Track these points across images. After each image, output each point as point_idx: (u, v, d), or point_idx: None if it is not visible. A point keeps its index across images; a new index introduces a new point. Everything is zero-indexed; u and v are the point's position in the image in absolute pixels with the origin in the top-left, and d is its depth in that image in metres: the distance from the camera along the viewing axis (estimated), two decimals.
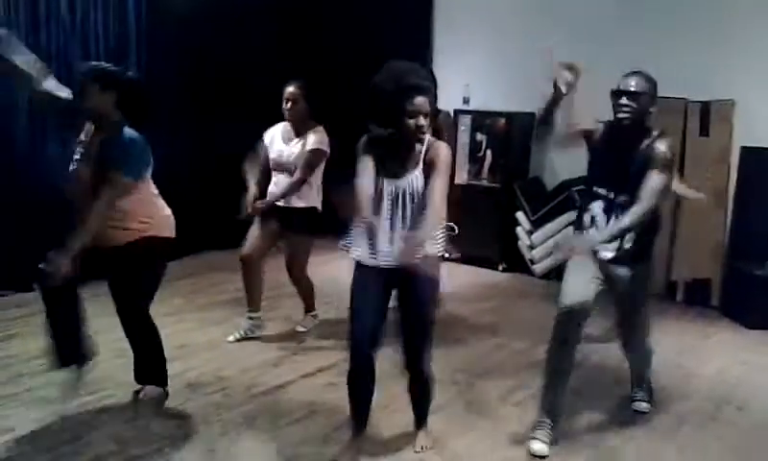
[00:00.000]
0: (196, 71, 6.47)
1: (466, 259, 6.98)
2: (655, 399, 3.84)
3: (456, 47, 7.21)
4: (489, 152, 6.83)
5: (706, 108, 5.74)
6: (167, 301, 5.15)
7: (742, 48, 5.61)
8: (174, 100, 6.30)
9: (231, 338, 4.52)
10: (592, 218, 3.36)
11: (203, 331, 4.69)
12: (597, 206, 3.34)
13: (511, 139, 6.79)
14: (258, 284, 4.58)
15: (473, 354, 4.54)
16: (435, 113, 3.00)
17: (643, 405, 3.78)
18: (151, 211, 3.36)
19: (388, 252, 2.90)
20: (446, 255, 5.47)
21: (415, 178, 2.88)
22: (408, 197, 2.88)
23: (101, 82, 3.17)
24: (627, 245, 3.28)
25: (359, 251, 2.96)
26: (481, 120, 6.86)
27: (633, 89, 3.16)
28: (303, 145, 4.36)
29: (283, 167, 4.42)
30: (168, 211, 3.47)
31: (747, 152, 5.65)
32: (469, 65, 7.10)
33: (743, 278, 5.46)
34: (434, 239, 2.94)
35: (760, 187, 5.59)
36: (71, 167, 3.27)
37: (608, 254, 3.29)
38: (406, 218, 2.90)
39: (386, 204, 2.90)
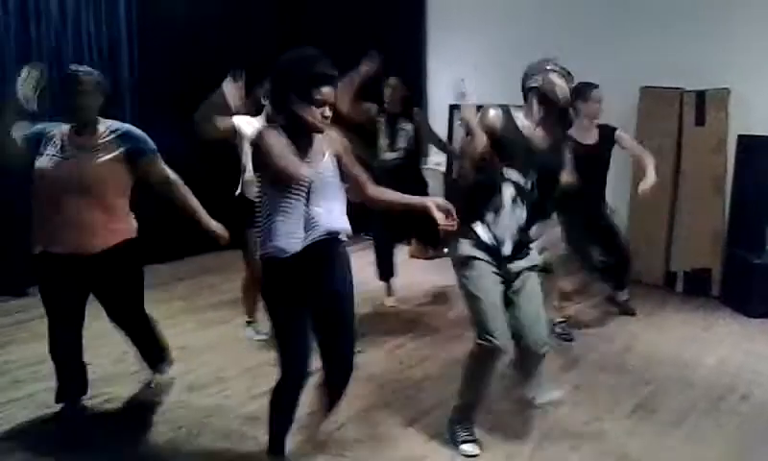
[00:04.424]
0: (188, 71, 6.41)
1: None
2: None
3: (451, 41, 7.17)
4: None
5: (701, 97, 5.72)
6: (166, 303, 5.13)
7: (736, 36, 5.59)
8: (165, 100, 6.26)
9: (258, 337, 4.53)
10: (499, 204, 3.15)
11: (202, 333, 4.67)
12: (507, 192, 3.16)
13: None
14: None
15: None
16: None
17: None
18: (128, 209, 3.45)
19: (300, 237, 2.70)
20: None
21: (326, 167, 2.74)
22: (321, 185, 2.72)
23: (99, 81, 3.26)
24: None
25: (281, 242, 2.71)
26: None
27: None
28: None
29: None
30: None
31: (743, 140, 5.63)
32: (465, 60, 7.07)
33: (743, 266, 5.43)
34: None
35: (758, 175, 5.56)
36: (49, 164, 3.15)
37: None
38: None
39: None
